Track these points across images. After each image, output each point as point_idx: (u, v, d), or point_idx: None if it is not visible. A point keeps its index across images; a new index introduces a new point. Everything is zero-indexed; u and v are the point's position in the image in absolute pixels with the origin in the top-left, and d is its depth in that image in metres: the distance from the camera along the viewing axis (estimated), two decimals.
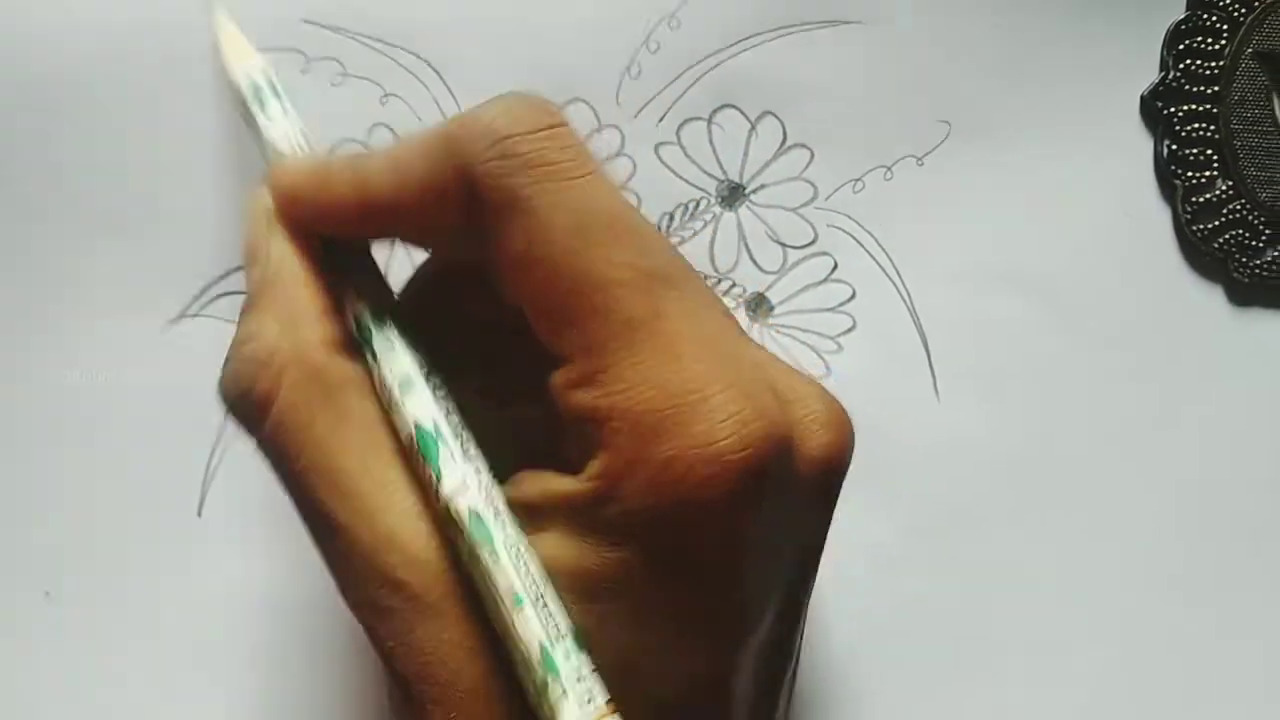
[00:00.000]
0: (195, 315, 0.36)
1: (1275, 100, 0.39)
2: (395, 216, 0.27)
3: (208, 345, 0.36)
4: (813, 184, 0.38)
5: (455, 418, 0.26)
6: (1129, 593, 0.39)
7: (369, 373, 0.27)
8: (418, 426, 0.26)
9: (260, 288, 0.27)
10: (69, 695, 0.35)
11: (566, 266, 0.24)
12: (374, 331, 0.27)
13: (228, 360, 0.26)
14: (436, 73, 0.36)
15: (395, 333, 0.27)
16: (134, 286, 0.36)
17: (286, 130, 0.30)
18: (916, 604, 0.37)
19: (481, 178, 0.24)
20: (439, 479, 0.25)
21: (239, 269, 0.36)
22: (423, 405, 0.26)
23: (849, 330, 0.38)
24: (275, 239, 0.28)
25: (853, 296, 0.38)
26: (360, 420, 0.26)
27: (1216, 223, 0.39)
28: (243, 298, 0.28)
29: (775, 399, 0.24)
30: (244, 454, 0.36)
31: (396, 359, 0.27)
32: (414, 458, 0.26)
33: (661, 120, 0.37)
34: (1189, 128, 0.39)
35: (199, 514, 0.36)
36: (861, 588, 0.37)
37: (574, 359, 0.24)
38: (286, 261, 0.27)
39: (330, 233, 0.28)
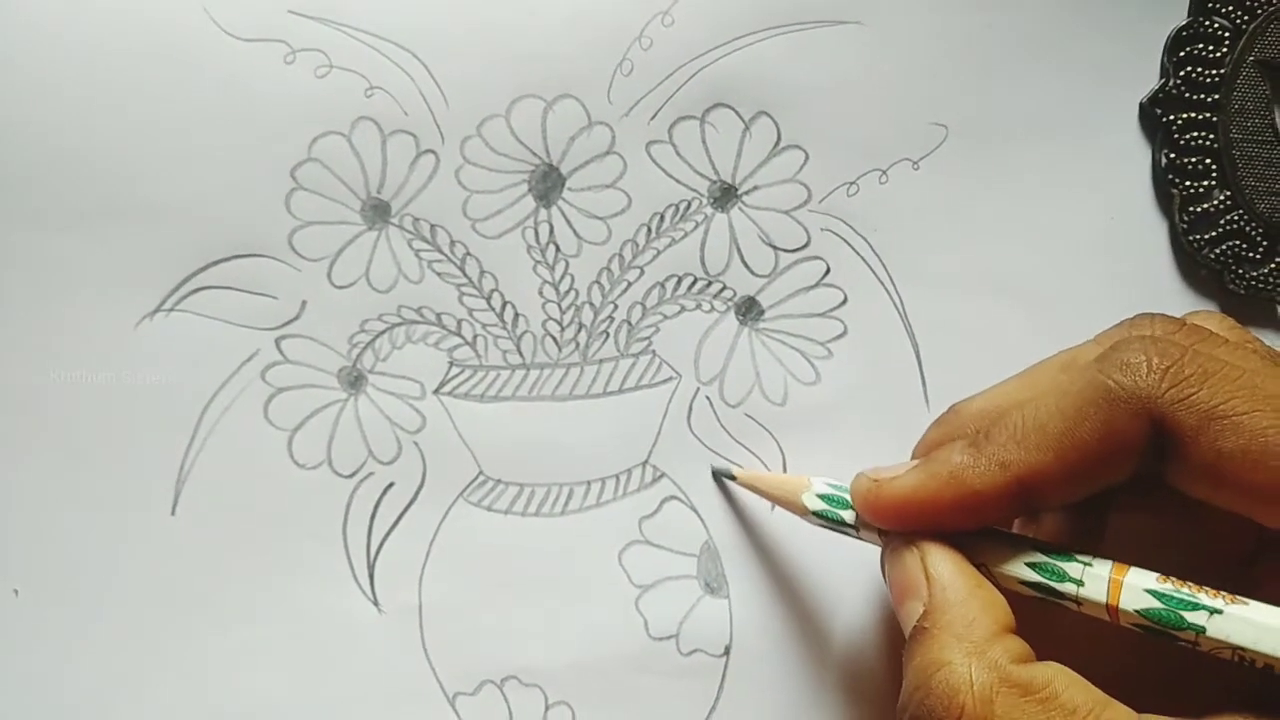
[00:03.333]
0: (170, 310, 0.35)
1: (1276, 110, 0.39)
2: (1062, 479, 0.28)
3: (183, 341, 0.35)
4: (806, 186, 0.37)
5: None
6: None
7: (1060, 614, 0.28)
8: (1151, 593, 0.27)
9: (933, 614, 0.28)
10: (37, 693, 0.34)
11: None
12: (1053, 566, 0.28)
13: (915, 688, 0.27)
14: (424, 66, 0.36)
15: (1067, 557, 0.28)
16: (108, 281, 0.35)
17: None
18: None
19: (1165, 410, 0.26)
20: (1200, 632, 0.26)
21: (216, 263, 0.35)
22: (1142, 579, 0.27)
23: (840, 336, 0.38)
24: (932, 560, 0.29)
25: (844, 302, 0.38)
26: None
27: (1214, 233, 0.39)
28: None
29: None
30: (218, 453, 0.35)
31: (1073, 564, 0.28)
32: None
33: (653, 118, 0.37)
34: (1188, 136, 0.38)
35: (173, 512, 0.35)
36: (851, 591, 0.37)
37: None
38: (950, 582, 0.28)
39: (961, 525, 0.29)
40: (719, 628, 0.36)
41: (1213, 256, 0.39)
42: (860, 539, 0.32)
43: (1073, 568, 0.28)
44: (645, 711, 0.36)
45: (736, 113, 0.37)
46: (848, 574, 0.37)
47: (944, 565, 0.28)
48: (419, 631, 0.36)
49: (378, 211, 0.36)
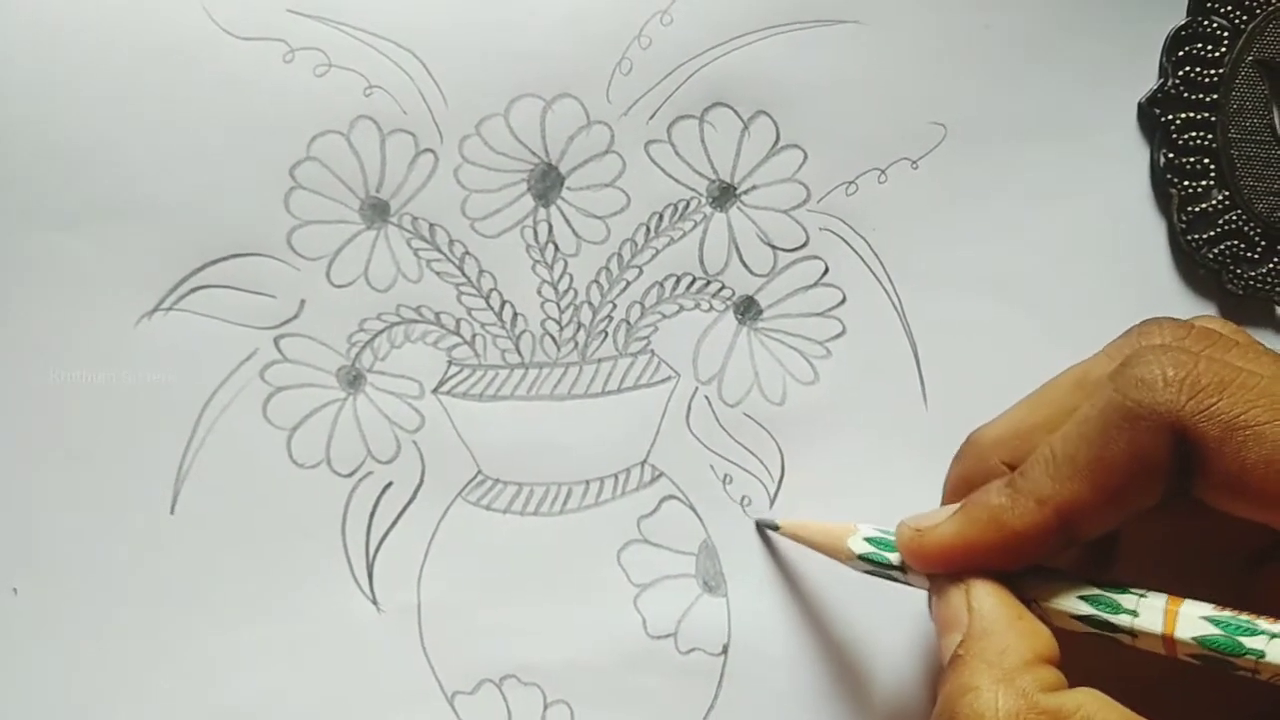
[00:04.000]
0: (169, 310, 0.35)
1: (1274, 109, 0.39)
2: (1102, 505, 0.27)
3: (183, 340, 0.35)
4: (805, 185, 0.37)
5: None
6: None
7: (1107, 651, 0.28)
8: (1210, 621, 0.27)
9: (968, 642, 0.28)
10: (36, 692, 0.34)
11: None
12: (1106, 598, 0.28)
13: (940, 713, 0.27)
14: (423, 65, 0.36)
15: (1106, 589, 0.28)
16: (106, 280, 0.35)
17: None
18: (907, 610, 0.37)
19: (1188, 422, 0.26)
20: (1260, 657, 0.26)
21: (215, 262, 0.35)
22: (1197, 609, 0.27)
23: (838, 335, 0.38)
24: (975, 594, 0.28)
25: (843, 301, 0.38)
26: None
27: (1212, 233, 0.39)
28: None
29: None
30: (217, 452, 0.35)
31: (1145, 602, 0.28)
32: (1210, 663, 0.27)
33: (652, 118, 0.37)
34: (1186, 136, 0.38)
35: (172, 512, 0.35)
36: (853, 595, 0.37)
37: None
38: (990, 613, 0.28)
39: (1006, 565, 0.29)
40: (717, 627, 0.36)
41: (1211, 256, 0.39)
42: (909, 584, 0.31)
43: (1126, 599, 0.28)
44: (643, 710, 0.36)
45: (735, 112, 0.37)
46: (846, 574, 0.37)
47: (987, 599, 0.28)
48: (418, 630, 0.36)
49: (376, 210, 0.36)
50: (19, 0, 0.34)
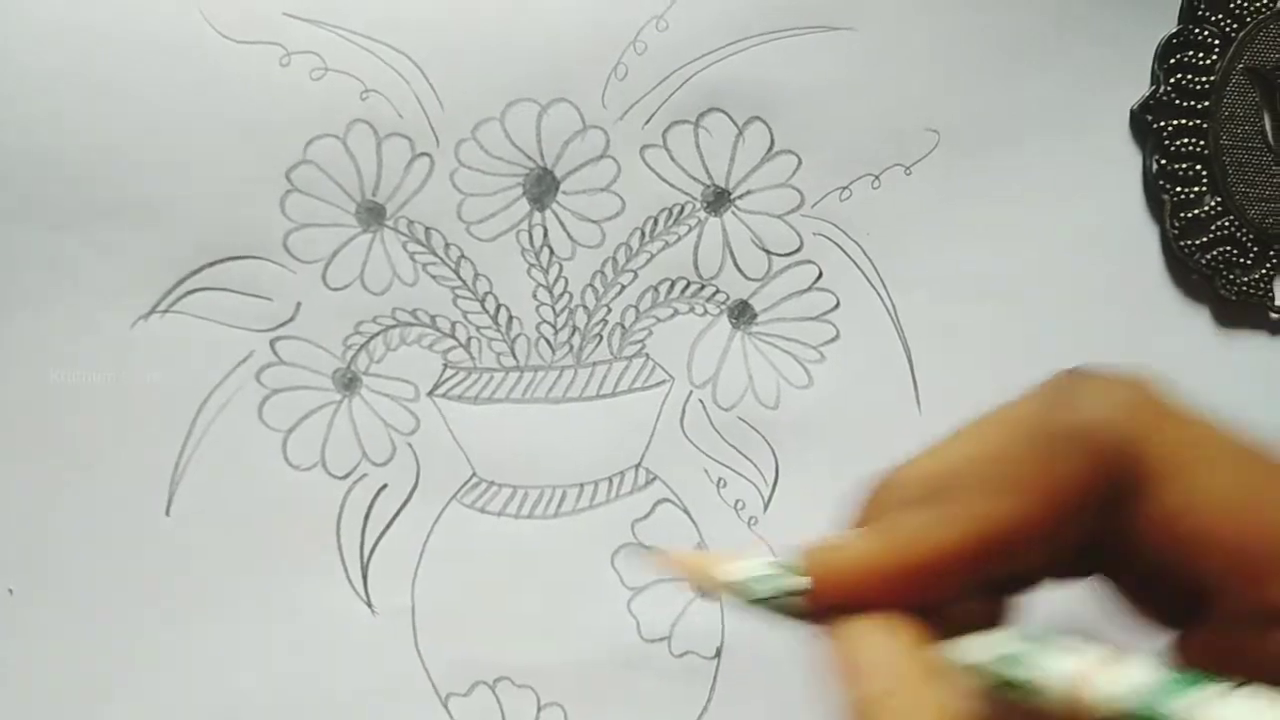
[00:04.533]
0: (166, 312, 0.35)
1: (1266, 116, 0.39)
2: (1028, 537, 0.24)
3: (179, 342, 0.35)
4: (799, 191, 0.37)
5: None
6: (1101, 602, 0.38)
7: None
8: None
9: (868, 703, 0.23)
10: (32, 690, 0.34)
11: (1261, 514, 0.23)
12: (1023, 650, 0.24)
13: None
14: (419, 69, 0.36)
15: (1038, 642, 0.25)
16: (104, 282, 0.35)
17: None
18: None
19: (1141, 450, 0.23)
20: None
21: (211, 264, 0.35)
22: (1138, 668, 0.24)
23: (832, 340, 0.38)
24: (881, 639, 0.24)
25: (836, 306, 0.38)
26: None
27: (1204, 239, 0.39)
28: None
29: None
30: (213, 453, 0.35)
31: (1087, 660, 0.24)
32: None
33: (648, 123, 0.37)
34: (1178, 142, 0.38)
35: (167, 513, 0.35)
36: None
37: None
38: (898, 667, 0.24)
39: (919, 599, 0.24)
40: (711, 630, 0.36)
41: (1204, 262, 0.39)
42: (800, 618, 0.27)
43: (1047, 654, 0.24)
44: (637, 712, 0.36)
45: (730, 117, 0.37)
46: None
47: (894, 645, 0.24)
48: (412, 632, 0.36)
49: (372, 214, 0.36)
50: (16, 4, 0.34)
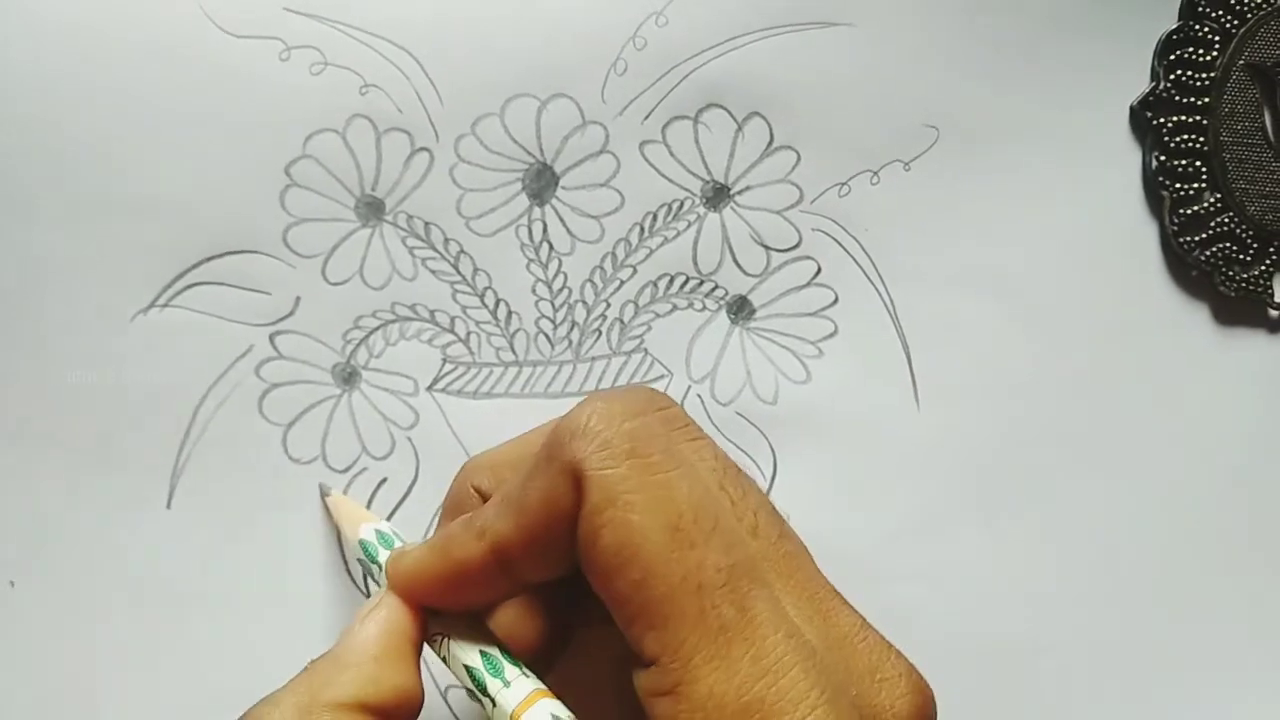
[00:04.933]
0: (165, 306, 0.35)
1: (1266, 113, 0.39)
2: (526, 548, 0.26)
3: (178, 337, 0.35)
4: (798, 187, 0.37)
5: None
6: (1102, 599, 0.39)
7: None
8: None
9: (319, 660, 0.27)
10: (32, 684, 0.35)
11: (660, 569, 0.24)
12: (497, 661, 0.27)
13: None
14: (419, 64, 0.36)
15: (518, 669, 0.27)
16: (102, 276, 0.35)
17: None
18: (895, 608, 0.37)
19: (585, 474, 0.24)
20: None
21: (210, 259, 0.35)
22: (552, 708, 0.26)
23: (831, 335, 0.38)
24: (372, 618, 0.28)
25: (835, 301, 0.38)
26: None
27: (1204, 235, 0.39)
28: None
29: (859, 696, 0.24)
30: (213, 447, 0.35)
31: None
32: None
33: (647, 118, 0.37)
34: (1178, 139, 0.38)
35: (168, 506, 0.35)
36: (839, 591, 0.37)
37: (661, 663, 0.24)
38: (361, 640, 0.27)
39: (456, 602, 0.28)
40: None
41: (1203, 258, 0.39)
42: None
43: (511, 671, 0.27)
44: None
45: (729, 113, 0.37)
46: (832, 573, 0.37)
47: (373, 625, 0.27)
48: None
49: (372, 209, 0.36)
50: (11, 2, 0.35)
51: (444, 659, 0.28)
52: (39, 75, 0.35)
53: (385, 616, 0.28)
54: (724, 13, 0.37)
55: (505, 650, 0.28)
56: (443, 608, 0.28)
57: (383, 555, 0.31)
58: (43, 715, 0.35)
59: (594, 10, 0.36)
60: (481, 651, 0.27)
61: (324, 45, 0.35)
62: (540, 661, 0.29)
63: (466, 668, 0.27)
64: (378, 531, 0.31)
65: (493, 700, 0.26)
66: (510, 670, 0.27)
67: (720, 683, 0.23)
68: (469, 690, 0.27)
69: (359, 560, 0.32)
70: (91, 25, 0.35)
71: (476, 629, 0.28)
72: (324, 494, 0.35)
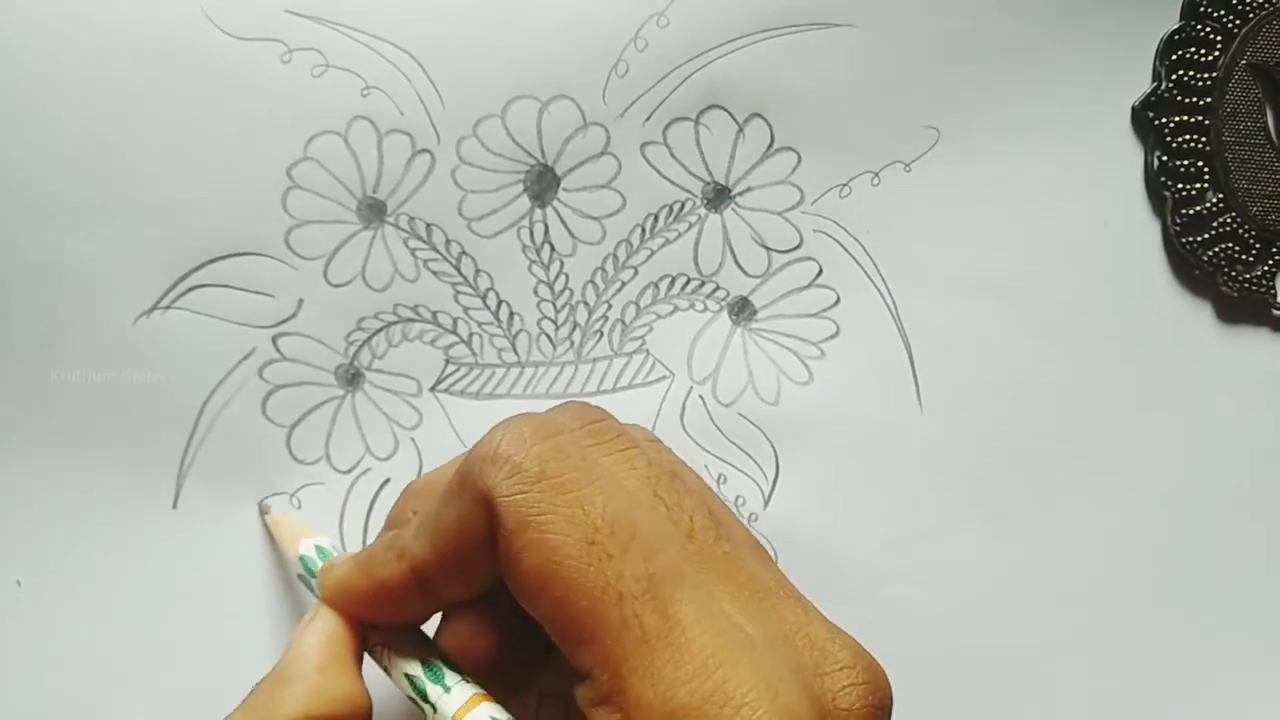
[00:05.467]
0: (168, 308, 0.35)
1: (1268, 113, 0.39)
2: (443, 571, 0.27)
3: (181, 339, 0.35)
4: (799, 188, 0.37)
5: None
6: (1104, 600, 0.39)
7: None
8: None
9: (267, 678, 0.28)
10: (38, 684, 0.35)
11: (579, 584, 0.24)
12: (438, 669, 0.28)
13: None
14: (420, 66, 0.36)
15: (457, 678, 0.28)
16: (105, 279, 0.35)
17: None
18: (896, 610, 0.37)
19: (497, 501, 0.25)
20: None
21: (213, 261, 0.35)
22: (492, 711, 0.27)
23: (832, 336, 0.38)
24: (310, 629, 0.28)
25: (837, 302, 0.38)
26: None
27: (1206, 235, 0.39)
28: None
29: (802, 692, 0.24)
30: (218, 448, 0.35)
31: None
32: None
33: (648, 120, 0.37)
34: (1180, 139, 0.38)
35: (174, 506, 0.35)
36: (841, 593, 0.37)
37: (594, 675, 0.24)
38: (304, 653, 0.28)
39: (385, 617, 0.28)
40: None
41: (1206, 259, 0.39)
42: None
43: (451, 678, 0.27)
44: None
45: (730, 114, 0.37)
46: (834, 575, 0.37)
47: (314, 636, 0.28)
48: None
49: (374, 211, 0.36)
50: (8, 3, 0.35)
51: (385, 669, 0.29)
52: (40, 78, 0.35)
53: (322, 628, 0.28)
54: (725, 14, 0.37)
55: (446, 658, 0.28)
56: (372, 621, 0.29)
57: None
58: (49, 714, 0.35)
59: (595, 12, 0.36)
60: (422, 660, 0.28)
61: (325, 47, 0.35)
62: (522, 676, 0.29)
63: (407, 676, 0.28)
64: (317, 546, 0.32)
65: (433, 706, 0.27)
66: (450, 676, 0.27)
67: (646, 690, 0.23)
68: (410, 698, 0.28)
69: (299, 576, 0.32)
70: (92, 27, 0.35)
71: (416, 638, 0.29)
72: (263, 513, 0.36)
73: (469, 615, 0.30)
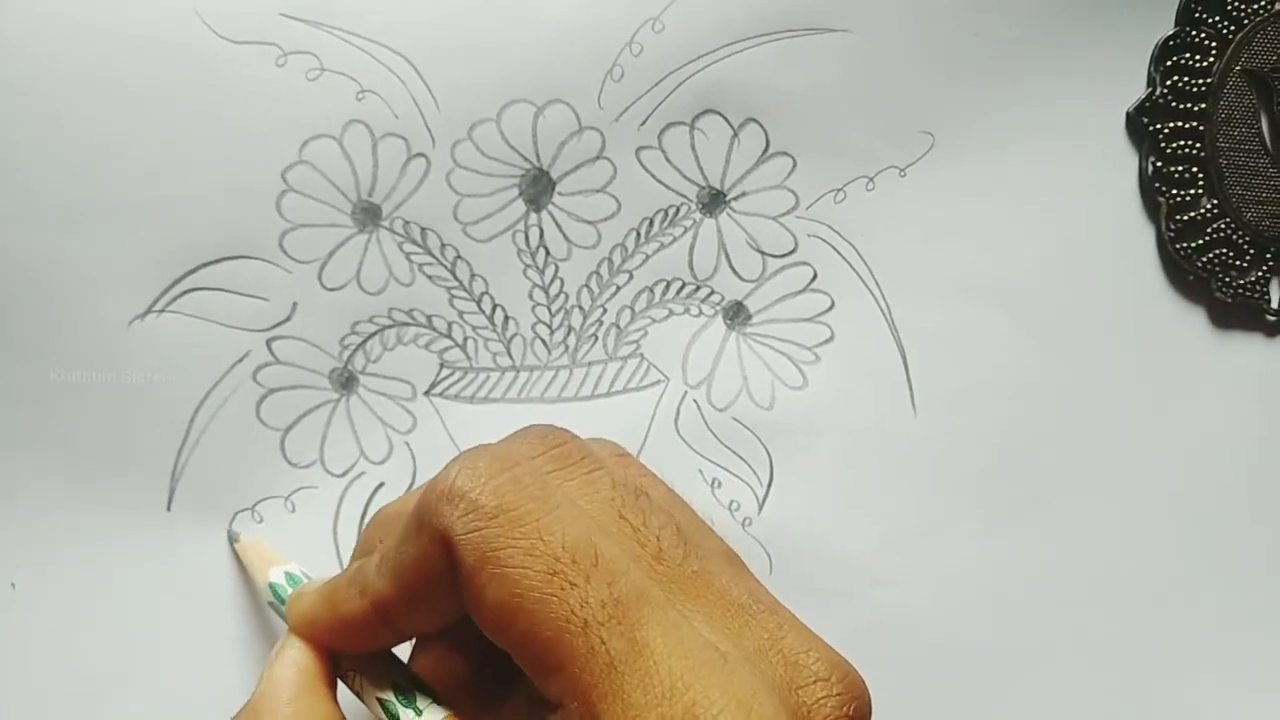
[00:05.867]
0: (162, 312, 0.35)
1: (1263, 119, 0.39)
2: (406, 606, 0.27)
3: (175, 342, 0.35)
4: (794, 193, 0.37)
5: None
6: (1100, 603, 0.39)
7: None
8: None
9: (244, 710, 0.28)
10: (32, 685, 0.35)
11: (543, 615, 0.24)
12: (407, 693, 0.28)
13: None
14: (415, 70, 0.36)
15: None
16: (99, 281, 0.35)
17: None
18: (892, 613, 0.37)
19: (454, 540, 0.25)
20: None
21: (207, 264, 0.35)
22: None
23: (827, 341, 0.38)
24: (282, 658, 0.28)
25: (831, 307, 0.38)
26: None
27: (1200, 241, 0.39)
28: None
29: (779, 707, 0.24)
30: (212, 451, 0.35)
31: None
32: None
33: (643, 124, 0.37)
34: (1175, 145, 0.38)
35: (168, 509, 0.35)
36: (836, 596, 0.37)
37: (564, 704, 0.24)
38: (278, 682, 0.28)
39: (350, 648, 0.29)
40: None
41: (1200, 264, 0.39)
42: None
43: (423, 702, 0.27)
44: None
45: (725, 119, 0.37)
46: (829, 578, 0.37)
47: (287, 666, 0.28)
48: None
49: (368, 214, 0.36)
50: (11, 2, 0.35)
51: (358, 694, 0.29)
52: (35, 80, 0.35)
53: (293, 658, 0.28)
54: (720, 19, 0.37)
55: (418, 681, 0.28)
56: (338, 650, 0.29)
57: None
58: (43, 716, 0.35)
59: (591, 16, 0.36)
60: (394, 684, 0.28)
61: (320, 51, 0.35)
62: (495, 698, 0.30)
63: (379, 700, 0.28)
64: (287, 573, 0.32)
65: None
66: (422, 700, 0.27)
67: (616, 716, 0.23)
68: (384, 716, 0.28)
69: (270, 604, 0.32)
70: (87, 30, 0.35)
71: (387, 662, 0.29)
72: (232, 540, 0.36)
73: (441, 638, 0.30)
